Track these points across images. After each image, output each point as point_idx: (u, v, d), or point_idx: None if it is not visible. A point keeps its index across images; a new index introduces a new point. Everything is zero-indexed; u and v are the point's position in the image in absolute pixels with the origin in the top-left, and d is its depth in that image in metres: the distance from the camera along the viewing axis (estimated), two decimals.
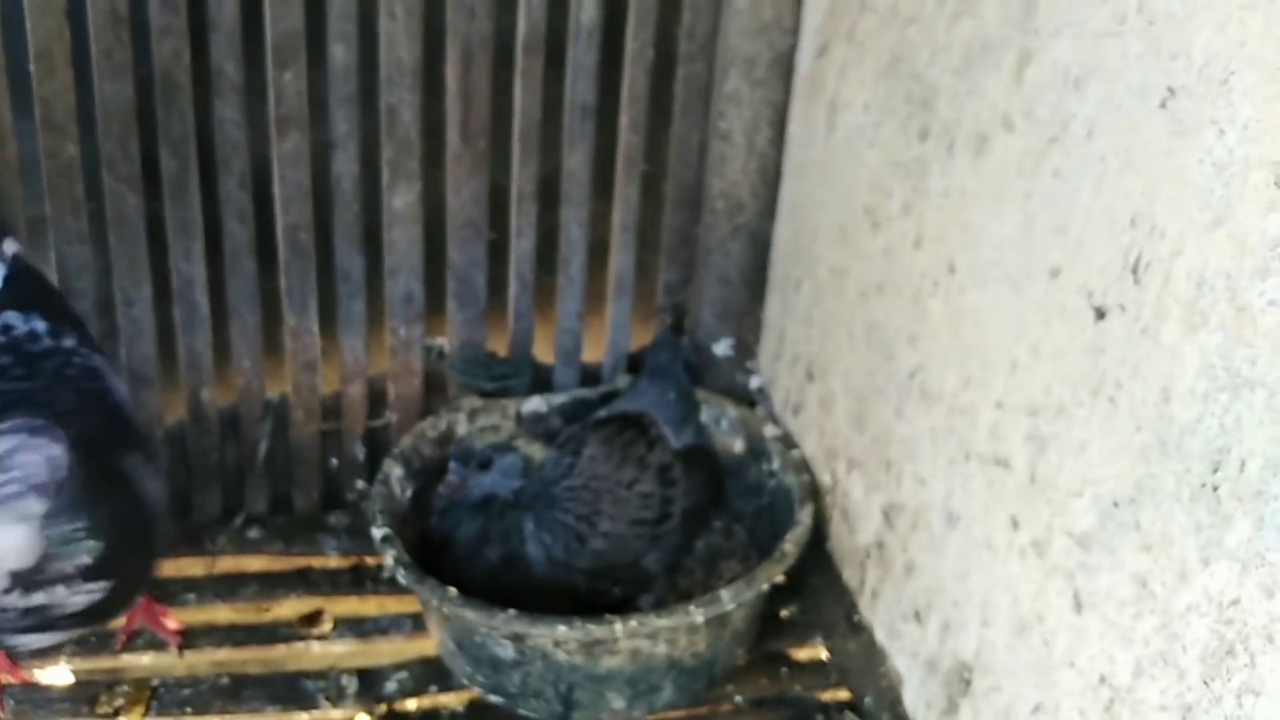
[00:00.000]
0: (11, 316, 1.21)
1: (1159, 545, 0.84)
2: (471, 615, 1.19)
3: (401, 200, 1.46)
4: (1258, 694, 0.75)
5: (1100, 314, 0.90)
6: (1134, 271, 0.86)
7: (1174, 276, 0.81)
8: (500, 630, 1.20)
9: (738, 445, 1.51)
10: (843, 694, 1.34)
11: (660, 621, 1.19)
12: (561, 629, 1.17)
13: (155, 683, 1.31)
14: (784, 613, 1.44)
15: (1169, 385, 0.82)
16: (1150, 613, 0.85)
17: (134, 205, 1.41)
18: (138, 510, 1.11)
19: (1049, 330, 0.97)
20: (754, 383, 1.60)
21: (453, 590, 1.21)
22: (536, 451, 1.32)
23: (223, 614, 1.41)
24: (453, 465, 1.29)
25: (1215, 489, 0.78)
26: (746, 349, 1.60)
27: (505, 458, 1.29)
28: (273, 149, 1.40)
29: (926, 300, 1.16)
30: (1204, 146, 0.77)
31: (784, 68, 1.45)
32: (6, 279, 1.24)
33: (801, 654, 1.40)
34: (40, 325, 1.21)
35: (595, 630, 1.17)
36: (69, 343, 1.21)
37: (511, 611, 1.18)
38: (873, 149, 1.26)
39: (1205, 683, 0.80)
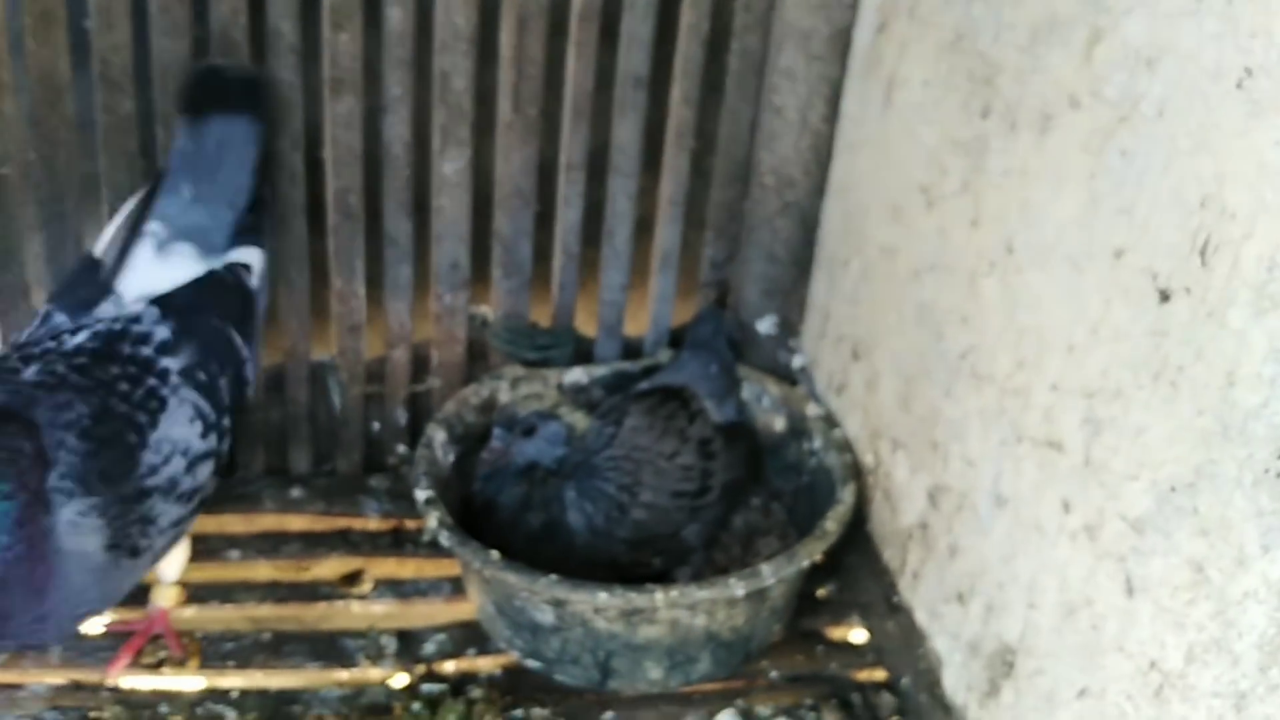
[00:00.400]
0: (149, 312, 1.18)
1: (1217, 530, 0.83)
2: (513, 579, 1.20)
3: (451, 167, 1.46)
4: None
5: (1165, 296, 0.89)
6: (1202, 254, 0.84)
7: (1243, 259, 0.80)
8: (541, 595, 1.21)
9: (779, 423, 1.51)
10: (879, 674, 1.34)
11: (700, 593, 1.19)
12: (602, 596, 1.17)
13: (199, 635, 1.33)
14: (821, 592, 1.44)
15: (1234, 369, 0.81)
16: (1205, 598, 0.84)
17: None
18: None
19: (1109, 312, 0.95)
20: (797, 361, 1.60)
21: (495, 554, 1.21)
22: (580, 420, 1.33)
23: (264, 571, 1.42)
24: (497, 431, 1.29)
25: (1279, 475, 0.77)
26: (790, 327, 1.60)
27: (549, 425, 1.29)
28: (325, 111, 1.41)
29: (981, 280, 1.15)
30: None
31: (841, 43, 1.43)
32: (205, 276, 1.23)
33: (838, 633, 1.40)
34: (163, 331, 1.17)
35: (636, 599, 1.17)
36: (170, 362, 1.16)
37: (553, 576, 1.19)
38: (930, 126, 1.25)
39: (1261, 670, 0.79)
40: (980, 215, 1.15)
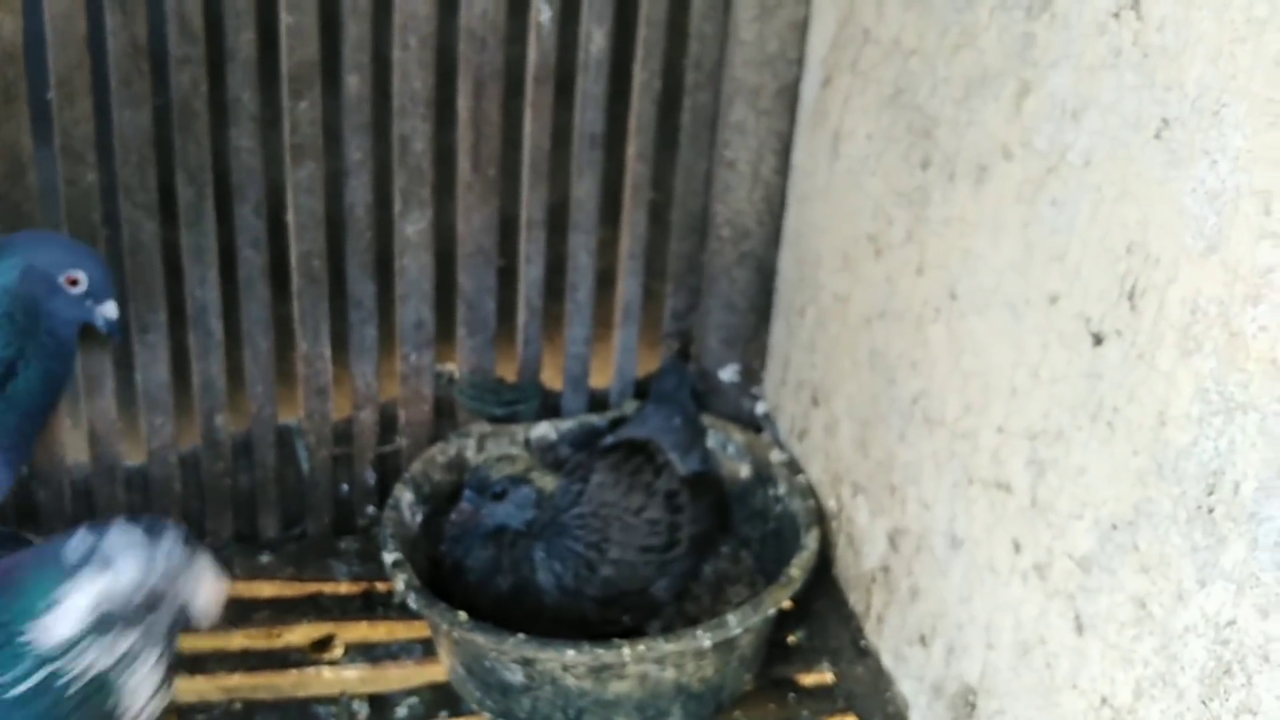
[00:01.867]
0: None
1: (1157, 567, 0.85)
2: (481, 640, 1.20)
3: (413, 228, 1.48)
4: (1255, 713, 0.76)
5: (1098, 340, 0.91)
6: (1130, 298, 0.87)
7: (1168, 303, 0.83)
8: (510, 655, 1.21)
9: (744, 470, 1.53)
10: (850, 719, 1.34)
11: (668, 646, 1.20)
12: (570, 653, 1.18)
13: (171, 707, 1.32)
14: (791, 638, 1.45)
15: (1164, 410, 0.84)
16: (1150, 634, 0.86)
17: (150, 232, 1.43)
18: None
19: (1048, 356, 0.98)
20: (760, 408, 1.62)
21: (463, 615, 1.22)
22: (549, 483, 1.34)
23: (235, 640, 1.42)
24: (467, 494, 1.30)
25: (1210, 511, 0.79)
26: (752, 374, 1.62)
27: (520, 490, 1.30)
28: (287, 177, 1.43)
29: (928, 326, 1.18)
30: (1197, 176, 0.79)
31: (789, 98, 1.47)
32: None
33: (809, 679, 1.40)
34: None
35: (604, 655, 1.18)
36: None
37: (521, 635, 1.19)
38: (875, 177, 1.28)
39: (1204, 703, 0.81)
40: (924, 263, 1.18)
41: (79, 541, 0.89)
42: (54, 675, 0.88)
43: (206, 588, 0.92)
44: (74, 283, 1.15)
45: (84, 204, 1.39)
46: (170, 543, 0.90)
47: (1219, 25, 0.77)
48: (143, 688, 0.92)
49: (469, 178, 1.48)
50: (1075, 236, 0.94)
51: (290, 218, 1.45)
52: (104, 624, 0.88)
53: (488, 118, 1.45)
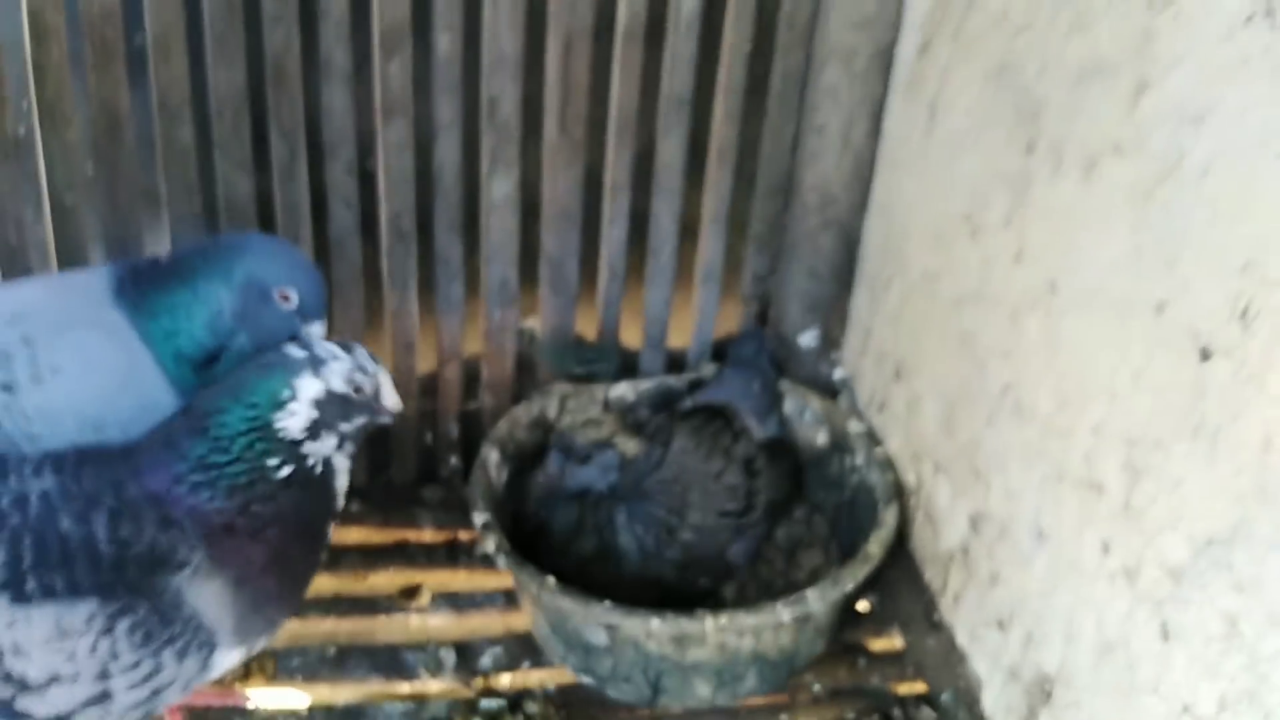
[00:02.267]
0: None
1: (1251, 587, 0.86)
2: (568, 604, 1.24)
3: (500, 188, 1.49)
4: None
5: (1205, 355, 0.90)
6: (1242, 317, 0.86)
7: None
8: (595, 619, 1.25)
9: (820, 438, 1.54)
10: (919, 687, 1.37)
11: (748, 620, 1.23)
12: (654, 622, 1.22)
13: (268, 651, 1.39)
14: (862, 605, 1.47)
15: (1271, 434, 0.83)
16: (1238, 651, 0.87)
17: (245, 189, 1.46)
18: None
19: (1151, 363, 0.97)
20: (838, 374, 1.62)
21: (551, 579, 1.26)
22: (631, 448, 1.36)
23: (326, 584, 1.48)
24: (554, 455, 1.34)
25: None
26: (832, 341, 1.62)
27: (604, 454, 1.33)
28: (378, 136, 1.44)
29: (1024, 317, 1.17)
30: None
31: (884, 62, 1.44)
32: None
33: (878, 645, 1.44)
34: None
35: (686, 625, 1.22)
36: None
37: (607, 603, 1.23)
38: (974, 155, 1.26)
39: None
40: (1024, 251, 1.17)
41: (295, 349, 1.08)
42: (304, 456, 1.06)
43: (388, 387, 1.11)
44: (286, 298, 1.18)
45: (181, 161, 1.42)
46: (362, 352, 1.10)
47: None
48: (344, 479, 1.12)
49: (555, 139, 1.47)
50: (1188, 247, 0.92)
51: (381, 176, 1.46)
52: (329, 413, 1.06)
53: (576, 78, 1.44)
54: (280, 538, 1.06)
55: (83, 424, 1.10)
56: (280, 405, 1.04)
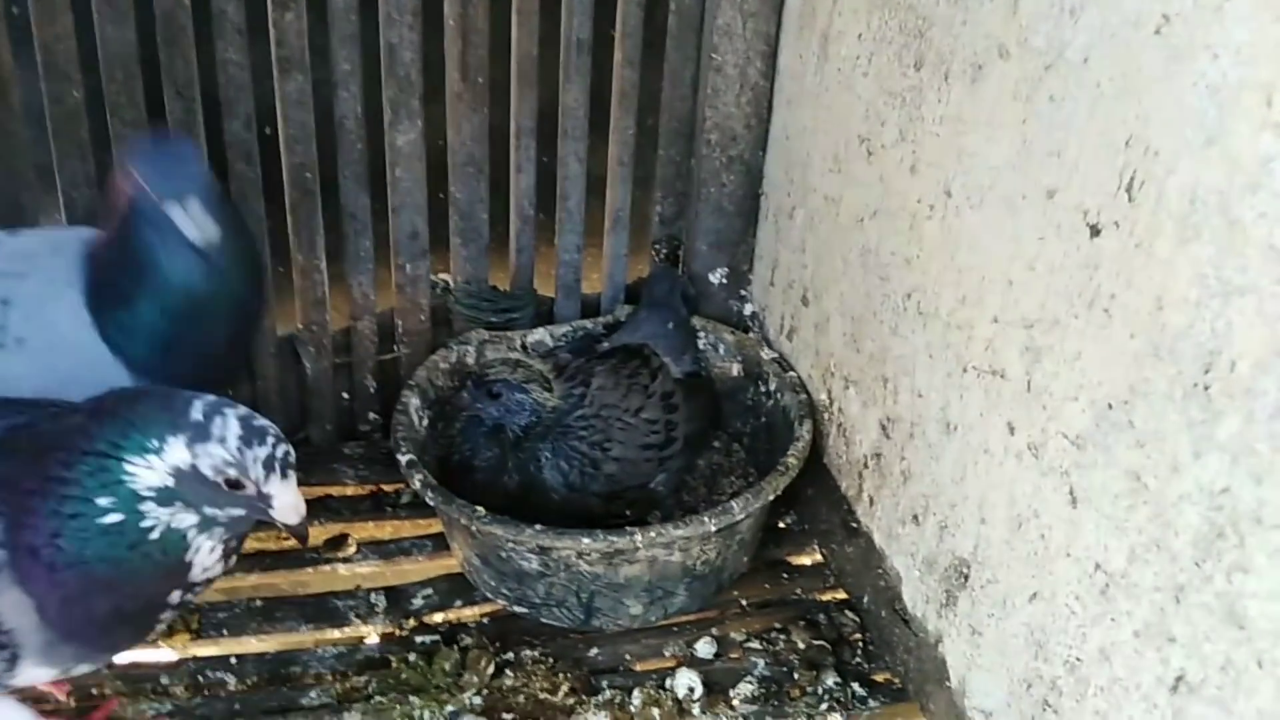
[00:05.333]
0: None
1: (1152, 442, 0.92)
2: (500, 531, 1.25)
3: (404, 138, 1.49)
4: (1246, 571, 0.84)
5: (1095, 231, 0.97)
6: (1128, 190, 0.92)
7: (1168, 194, 0.88)
8: (527, 544, 1.27)
9: (735, 369, 1.58)
10: (841, 594, 1.43)
11: (676, 531, 1.26)
12: (586, 541, 1.24)
13: (192, 607, 1.36)
14: (782, 523, 1.52)
15: (1162, 295, 0.90)
16: (1144, 504, 0.93)
17: None
18: None
19: (1044, 248, 1.03)
20: (748, 309, 1.67)
21: (481, 509, 1.27)
22: (551, 395, 1.37)
23: (249, 543, 1.46)
24: (469, 385, 1.35)
25: (1207, 388, 0.86)
26: (740, 277, 1.66)
27: (514, 395, 1.34)
28: (276, 90, 1.43)
29: (922, 224, 1.22)
30: (1198, 71, 0.84)
31: (775, 0, 1.49)
32: None
33: (800, 559, 1.49)
34: None
35: (617, 541, 1.24)
36: None
37: (538, 526, 1.25)
38: (867, 79, 1.31)
39: (1196, 564, 0.88)
40: (918, 162, 1.23)
41: (206, 406, 0.94)
42: (141, 515, 0.93)
43: (287, 499, 0.96)
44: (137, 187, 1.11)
45: (71, 122, 1.38)
46: (272, 444, 0.94)
47: None
48: (211, 556, 0.98)
49: (458, 87, 1.48)
50: (1073, 132, 0.98)
51: (281, 130, 1.45)
52: (187, 489, 0.93)
53: (475, 25, 1.45)
54: (81, 584, 0.93)
55: (38, 395, 1.07)
56: (143, 451, 0.92)
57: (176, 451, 0.92)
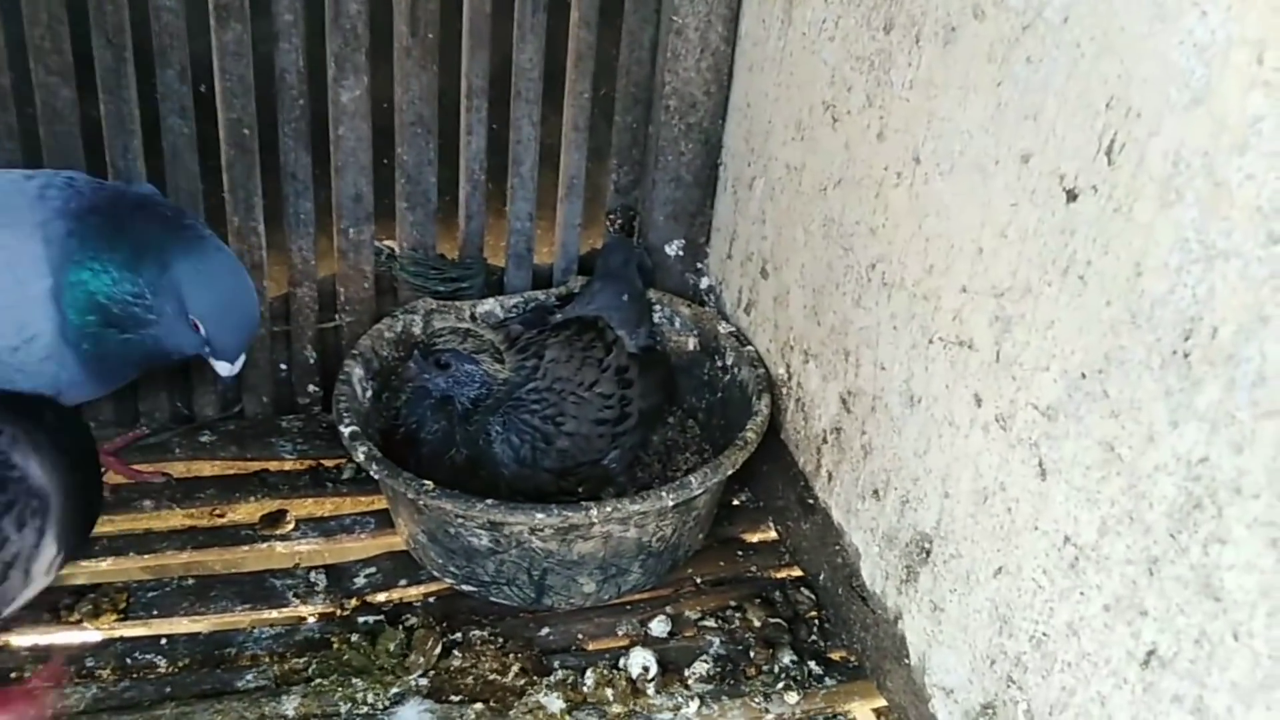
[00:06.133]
0: None
1: (1127, 412, 0.90)
2: (450, 506, 1.20)
3: (349, 95, 1.42)
4: (1224, 542, 0.82)
5: (1072, 196, 0.94)
6: (1108, 153, 0.90)
7: (1149, 156, 0.86)
8: (477, 520, 1.22)
9: (691, 343, 1.54)
10: (797, 572, 1.40)
11: (633, 506, 1.22)
12: (539, 515, 1.19)
13: (120, 585, 1.29)
14: (737, 500, 1.49)
15: (1141, 260, 0.87)
16: (1117, 475, 0.91)
17: (66, 99, 1.35)
18: None
19: (1017, 214, 1.01)
20: (704, 282, 1.63)
21: (429, 483, 1.21)
22: (502, 366, 1.32)
23: (179, 519, 1.39)
24: (415, 354, 1.29)
25: (1186, 355, 0.83)
26: (697, 249, 1.62)
27: (463, 367, 1.28)
28: (213, 40, 1.35)
29: (889, 192, 1.19)
30: (1185, 28, 0.81)
31: None
32: None
33: (755, 536, 1.46)
34: None
35: (572, 516, 1.20)
36: None
37: (490, 500, 1.20)
38: (833, 43, 1.28)
39: (1172, 536, 0.86)
40: (886, 128, 1.19)
41: None
42: None
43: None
44: (195, 327, 1.16)
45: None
46: None
47: None
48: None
49: (407, 42, 1.42)
50: (1051, 94, 0.96)
51: (217, 84, 1.38)
52: None
53: None
54: None
55: None
56: None
57: None
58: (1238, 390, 0.79)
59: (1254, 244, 0.77)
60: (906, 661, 1.21)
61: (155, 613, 1.27)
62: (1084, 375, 0.94)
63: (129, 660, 1.22)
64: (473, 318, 1.52)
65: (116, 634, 1.25)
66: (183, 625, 1.27)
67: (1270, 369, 0.77)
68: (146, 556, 1.33)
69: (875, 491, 1.25)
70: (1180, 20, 0.82)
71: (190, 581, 1.31)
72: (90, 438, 1.17)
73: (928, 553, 1.17)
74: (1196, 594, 0.84)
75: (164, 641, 1.25)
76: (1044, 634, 1.01)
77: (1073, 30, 0.93)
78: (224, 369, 1.21)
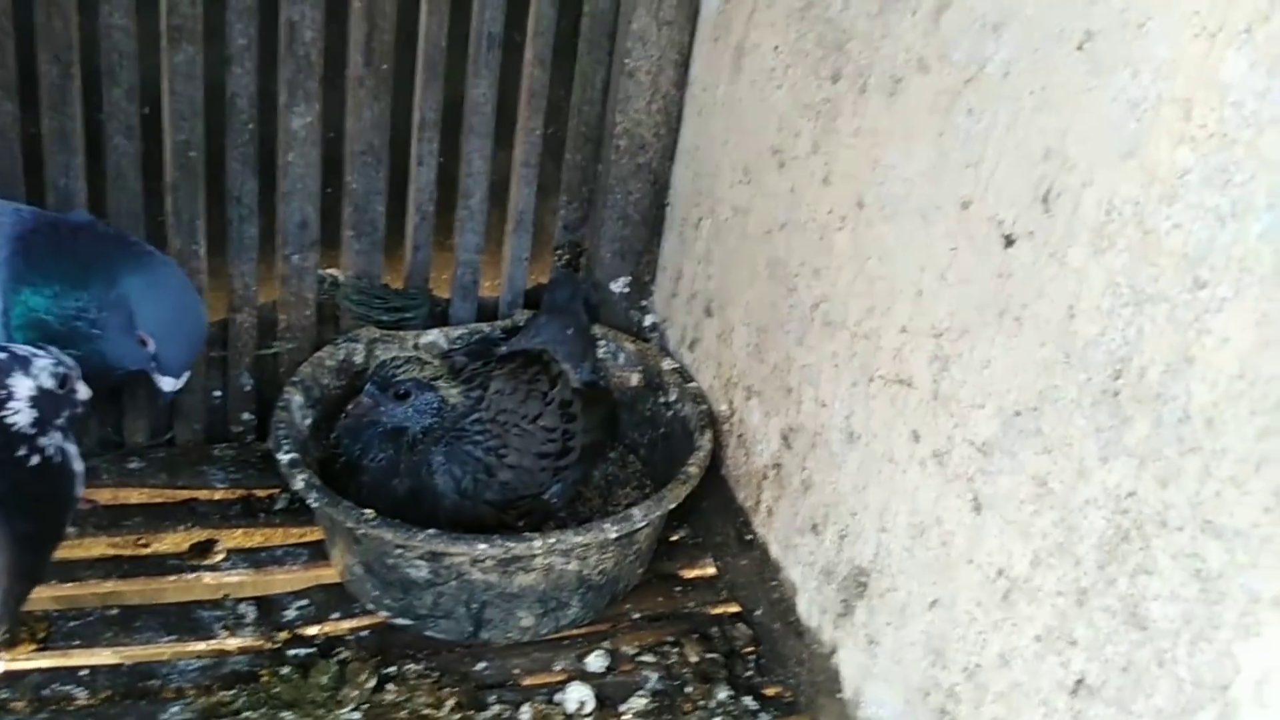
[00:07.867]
0: None
1: (1059, 448, 0.93)
2: (389, 536, 1.19)
3: (299, 121, 1.42)
4: (1150, 573, 0.85)
5: (1009, 241, 0.98)
6: (1044, 201, 0.94)
7: (1084, 204, 0.90)
8: (418, 550, 1.21)
9: (634, 378, 1.56)
10: (734, 607, 1.41)
11: (576, 538, 1.22)
12: (481, 546, 1.19)
13: (39, 615, 1.25)
14: (675, 536, 1.50)
15: (1074, 303, 0.91)
16: (1049, 509, 0.95)
17: (8, 113, 1.33)
18: None
19: (957, 258, 1.05)
20: (649, 320, 1.65)
21: (369, 512, 1.20)
22: (454, 394, 1.32)
23: (102, 548, 1.35)
24: (369, 388, 1.28)
25: (1116, 394, 0.87)
26: (642, 287, 1.64)
27: (423, 395, 1.28)
28: (164, 60, 1.35)
29: (833, 235, 1.23)
30: (1118, 86, 0.86)
31: (691, 8, 1.48)
32: None
33: (692, 572, 1.46)
34: None
35: (514, 547, 1.19)
36: None
37: (431, 530, 1.19)
38: (781, 91, 1.32)
39: (1100, 568, 0.89)
40: (831, 173, 1.23)
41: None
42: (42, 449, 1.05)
43: (80, 379, 1.10)
44: (143, 342, 1.16)
45: None
46: (54, 349, 1.08)
47: None
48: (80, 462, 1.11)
49: (360, 71, 1.43)
50: (991, 144, 1.00)
51: (165, 105, 1.37)
52: (46, 408, 1.05)
53: (382, 9, 1.40)
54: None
55: None
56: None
57: (22, 384, 1.04)
58: (1164, 427, 0.83)
59: (1180, 289, 0.81)
60: (840, 695, 1.23)
61: (76, 643, 1.24)
62: (1018, 413, 0.98)
63: (45, 692, 1.18)
64: (416, 348, 1.52)
65: (34, 665, 1.21)
66: (104, 656, 1.23)
67: (1195, 407, 0.81)
68: (68, 585, 1.29)
69: (814, 526, 1.27)
70: (1114, 78, 0.86)
71: (114, 611, 1.27)
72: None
73: (864, 586, 1.19)
74: (1124, 624, 0.87)
75: (84, 673, 1.21)
76: (977, 665, 1.03)
77: (1013, 84, 0.97)
78: (168, 384, 1.20)
